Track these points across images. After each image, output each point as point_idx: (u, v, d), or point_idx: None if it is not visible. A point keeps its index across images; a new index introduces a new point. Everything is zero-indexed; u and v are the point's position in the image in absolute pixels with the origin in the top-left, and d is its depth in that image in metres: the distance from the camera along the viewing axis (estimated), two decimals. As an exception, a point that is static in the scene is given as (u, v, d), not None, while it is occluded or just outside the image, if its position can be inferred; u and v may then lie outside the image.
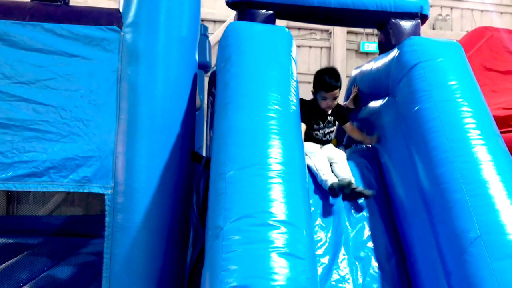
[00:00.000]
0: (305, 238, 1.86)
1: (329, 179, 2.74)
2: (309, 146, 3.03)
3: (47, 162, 2.56)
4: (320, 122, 3.13)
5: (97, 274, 2.60)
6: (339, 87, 3.05)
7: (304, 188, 2.10)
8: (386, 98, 3.16)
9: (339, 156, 3.04)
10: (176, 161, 2.68)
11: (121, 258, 2.54)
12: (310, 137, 3.13)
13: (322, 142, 3.15)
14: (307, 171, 2.31)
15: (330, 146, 3.19)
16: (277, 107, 2.29)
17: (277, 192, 1.94)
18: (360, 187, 2.73)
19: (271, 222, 1.83)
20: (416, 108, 2.63)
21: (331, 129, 3.22)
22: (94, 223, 4.48)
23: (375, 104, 3.32)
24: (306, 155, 2.89)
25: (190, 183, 2.82)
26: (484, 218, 2.04)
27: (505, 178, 2.18)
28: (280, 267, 1.69)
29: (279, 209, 1.88)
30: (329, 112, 3.14)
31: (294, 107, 2.41)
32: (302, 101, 3.03)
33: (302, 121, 2.95)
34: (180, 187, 2.67)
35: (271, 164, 2.04)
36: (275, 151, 2.09)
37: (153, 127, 2.64)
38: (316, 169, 2.86)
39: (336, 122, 3.27)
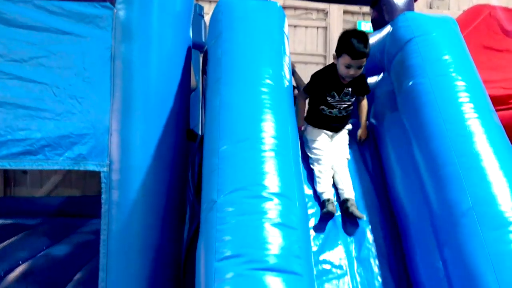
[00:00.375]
0: (298, 209, 1.89)
1: (324, 193, 2.56)
2: (317, 138, 2.66)
3: (42, 140, 2.56)
4: (335, 94, 2.68)
5: (96, 252, 2.63)
6: (367, 54, 2.62)
7: (297, 161, 2.11)
8: (381, 74, 3.16)
9: (342, 161, 2.70)
10: (171, 138, 2.68)
11: (118, 234, 2.56)
12: (320, 116, 2.70)
13: (337, 124, 2.71)
14: (299, 144, 2.30)
15: (342, 138, 2.77)
16: (269, 81, 2.28)
17: (270, 165, 1.96)
18: (355, 209, 2.52)
19: (264, 194, 1.84)
20: (410, 83, 2.64)
21: (349, 103, 2.75)
22: (92, 203, 4.50)
23: (369, 81, 3.31)
24: (309, 148, 2.67)
25: (186, 161, 2.83)
26: (476, 190, 2.06)
27: (497, 150, 2.20)
28: (273, 236, 1.72)
29: (272, 181, 1.90)
30: (347, 81, 2.70)
31: (286, 82, 2.41)
32: (315, 75, 2.73)
33: (310, 94, 2.68)
34: (175, 164, 2.68)
35: (264, 138, 2.05)
36: (268, 125, 2.09)
37: (148, 105, 2.64)
38: (316, 175, 2.63)
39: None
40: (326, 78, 2.69)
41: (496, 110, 2.54)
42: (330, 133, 2.75)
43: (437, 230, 2.13)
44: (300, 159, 2.20)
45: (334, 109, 2.72)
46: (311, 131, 2.75)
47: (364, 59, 2.63)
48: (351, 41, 2.57)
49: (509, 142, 2.34)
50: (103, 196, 2.58)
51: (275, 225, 1.76)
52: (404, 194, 2.50)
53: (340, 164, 2.69)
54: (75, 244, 3.73)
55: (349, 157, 2.79)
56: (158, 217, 2.58)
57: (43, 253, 3.51)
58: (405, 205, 2.47)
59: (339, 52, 2.64)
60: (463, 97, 2.42)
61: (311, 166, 2.68)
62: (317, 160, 2.66)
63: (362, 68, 2.68)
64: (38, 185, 5.74)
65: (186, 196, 2.87)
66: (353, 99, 2.79)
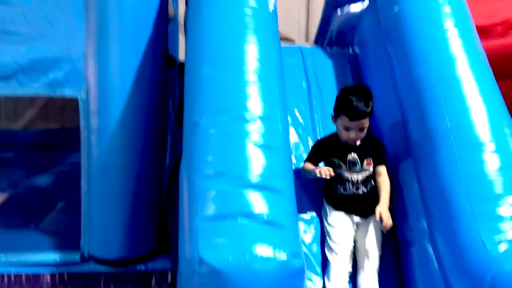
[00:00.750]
0: (280, 131, 1.91)
1: None
2: (337, 223, 2.18)
3: (13, 64, 2.47)
4: (341, 163, 2.21)
5: (78, 182, 2.63)
6: (369, 114, 2.18)
7: (280, 86, 2.09)
8: (367, 2, 3.09)
9: (371, 261, 2.14)
10: (149, 64, 2.60)
11: (98, 161, 2.56)
12: (336, 197, 2.21)
13: (359, 205, 2.21)
14: (282, 68, 2.24)
15: (373, 229, 2.19)
16: (253, 3, 2.21)
17: (253, 88, 1.94)
18: None
19: (247, 116, 1.85)
20: (396, 9, 2.59)
21: (364, 175, 2.23)
22: (71, 136, 4.43)
23: (355, 8, 3.25)
24: (327, 232, 2.19)
25: (165, 87, 2.77)
26: (455, 113, 2.08)
27: (478, 76, 2.21)
28: (256, 157, 1.74)
29: (255, 104, 1.89)
30: (356, 143, 2.23)
31: (271, 5, 2.34)
32: (317, 141, 2.36)
33: (314, 163, 2.25)
34: (154, 90, 2.62)
35: (247, 62, 2.01)
36: (251, 48, 2.05)
37: (124, 29, 2.53)
38: (329, 267, 2.13)
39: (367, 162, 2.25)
40: (327, 144, 2.28)
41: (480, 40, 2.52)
42: (356, 218, 2.22)
43: (415, 153, 2.18)
44: (283, 82, 2.17)
45: (348, 185, 2.21)
46: (329, 212, 2.23)
47: (366, 120, 2.19)
48: (349, 100, 2.16)
49: (491, 69, 2.36)
50: (81, 123, 2.54)
51: (257, 146, 1.77)
52: (385, 121, 2.53)
53: (368, 264, 2.14)
54: (56, 174, 3.71)
55: (379, 257, 2.18)
56: (139, 143, 2.57)
57: (24, 183, 3.49)
58: (384, 131, 2.51)
59: (337, 112, 2.23)
60: (448, 21, 2.39)
61: (326, 252, 2.18)
62: (334, 250, 2.15)
63: (365, 130, 2.22)
64: (13, 119, 5.55)
65: (167, 123, 2.84)
66: (370, 168, 2.25)
